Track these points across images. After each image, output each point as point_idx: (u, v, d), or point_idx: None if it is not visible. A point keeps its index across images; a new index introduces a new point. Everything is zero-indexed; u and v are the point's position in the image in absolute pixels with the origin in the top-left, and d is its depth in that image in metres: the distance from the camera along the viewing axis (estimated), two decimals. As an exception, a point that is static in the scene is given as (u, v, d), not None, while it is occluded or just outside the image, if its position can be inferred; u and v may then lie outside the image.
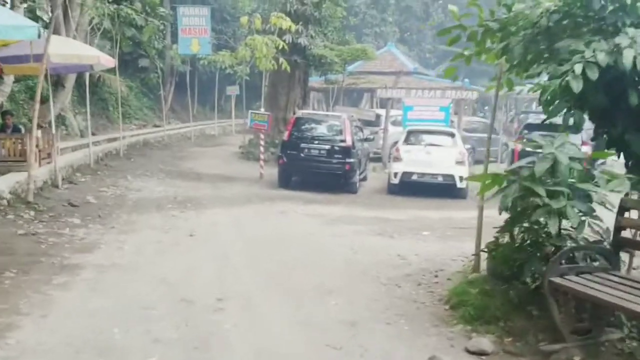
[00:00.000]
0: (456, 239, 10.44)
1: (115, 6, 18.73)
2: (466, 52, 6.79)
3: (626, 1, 5.49)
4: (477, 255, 7.45)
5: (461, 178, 15.12)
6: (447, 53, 40.19)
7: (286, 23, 16.23)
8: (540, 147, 5.41)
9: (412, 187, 15.47)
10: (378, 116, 21.76)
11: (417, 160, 15.41)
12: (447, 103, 19.85)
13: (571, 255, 5.18)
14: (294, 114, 21.27)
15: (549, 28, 5.66)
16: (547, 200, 5.06)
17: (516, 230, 5.92)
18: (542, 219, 5.32)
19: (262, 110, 17.52)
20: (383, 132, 20.10)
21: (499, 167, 20.17)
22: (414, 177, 15.42)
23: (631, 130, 5.45)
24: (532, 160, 5.48)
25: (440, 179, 15.31)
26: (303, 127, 15.90)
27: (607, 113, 5.50)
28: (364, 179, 17.24)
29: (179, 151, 22.87)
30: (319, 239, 9.74)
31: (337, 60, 20.17)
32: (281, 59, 16.53)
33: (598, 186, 5.04)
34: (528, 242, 5.72)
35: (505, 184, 5.63)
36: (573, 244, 5.22)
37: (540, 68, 5.66)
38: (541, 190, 5.13)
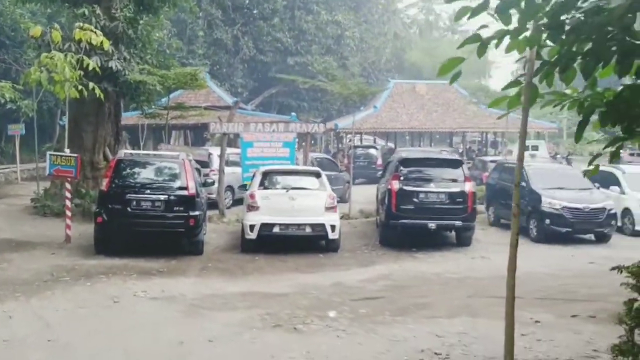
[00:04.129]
0: (382, 321, 7.55)
1: None
2: (481, 31, 3.90)
3: None
4: None
5: (333, 227, 12.37)
6: (260, 87, 38.13)
7: (97, 38, 12.26)
8: None
9: (272, 242, 12.39)
10: (209, 155, 18.36)
11: (278, 209, 12.33)
12: (291, 138, 17.14)
13: None
14: (105, 155, 17.08)
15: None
16: None
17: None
18: None
19: (67, 151, 13.20)
20: (218, 173, 16.73)
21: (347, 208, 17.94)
22: (276, 230, 12.30)
23: None
24: None
25: (308, 229, 12.36)
26: (128, 172, 12.01)
27: None
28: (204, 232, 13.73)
29: (-57, 210, 17.17)
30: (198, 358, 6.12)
31: (159, 88, 16.40)
32: (91, 84, 12.45)
33: None
34: None
35: None
36: None
37: None
38: None
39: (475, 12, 3.60)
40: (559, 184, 15.23)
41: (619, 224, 15.53)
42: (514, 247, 4.56)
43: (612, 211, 14.58)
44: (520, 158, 4.59)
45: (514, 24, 3.90)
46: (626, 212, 16.07)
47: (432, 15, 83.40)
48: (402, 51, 61.43)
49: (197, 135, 34.96)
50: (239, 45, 42.19)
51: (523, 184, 15.59)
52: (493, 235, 15.38)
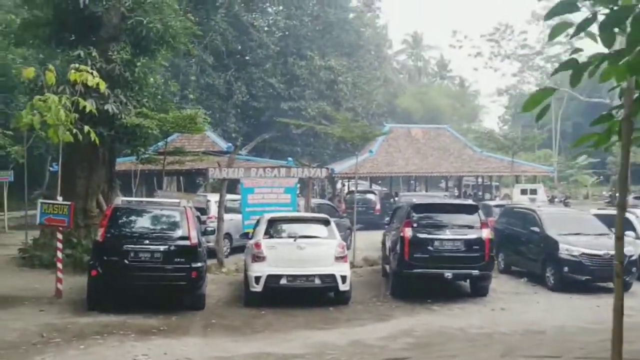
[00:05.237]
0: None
1: None
2: (580, 57, 3.28)
3: None
4: None
5: (344, 278, 11.60)
6: (253, 132, 37.43)
7: (93, 79, 11.67)
8: None
9: (278, 294, 11.58)
10: (207, 202, 17.63)
11: (285, 259, 11.55)
12: (293, 183, 16.47)
13: None
14: (98, 203, 16.30)
15: None
16: None
17: None
18: None
19: (60, 198, 12.43)
20: (217, 221, 15.97)
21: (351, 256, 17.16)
22: (283, 282, 11.49)
23: None
24: None
25: (317, 281, 11.56)
26: (125, 220, 11.22)
27: None
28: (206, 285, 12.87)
29: None
30: None
31: (156, 131, 15.76)
32: (87, 128, 11.78)
33: None
34: None
35: None
36: None
37: None
38: None
39: (579, 28, 2.98)
40: (574, 229, 14.60)
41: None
42: (619, 313, 3.85)
43: (633, 258, 13.88)
44: (622, 205, 3.93)
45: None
46: (643, 258, 15.41)
47: (420, 62, 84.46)
48: (393, 96, 61.68)
49: (190, 181, 34.24)
50: (232, 90, 41.85)
51: (536, 229, 15.00)
52: (506, 283, 14.64)
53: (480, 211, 13.15)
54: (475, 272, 12.27)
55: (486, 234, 12.42)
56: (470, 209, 13.15)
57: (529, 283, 14.62)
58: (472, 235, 12.40)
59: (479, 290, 12.79)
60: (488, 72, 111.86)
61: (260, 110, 44.14)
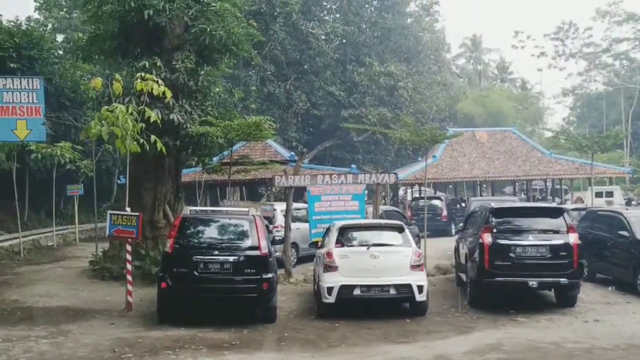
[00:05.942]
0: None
1: None
2: None
3: None
4: None
5: (420, 288, 10.96)
6: (313, 141, 36.99)
7: (159, 88, 11.51)
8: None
9: (351, 305, 11.05)
10: (274, 210, 17.34)
11: (358, 268, 11.02)
12: (360, 190, 15.93)
13: None
14: (165, 214, 16.19)
15: None
16: None
17: None
18: None
19: (128, 210, 12.31)
20: (284, 230, 15.61)
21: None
22: (357, 292, 10.94)
23: None
24: None
25: (392, 291, 10.95)
26: (193, 231, 10.93)
27: None
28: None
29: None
30: None
31: (221, 140, 15.55)
32: (153, 137, 11.63)
33: None
34: None
35: None
36: None
37: None
38: None
39: None
40: (665, 233, 13.48)
41: None
42: None
43: None
44: None
45: None
46: None
47: (480, 65, 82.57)
48: (453, 100, 60.36)
49: (252, 190, 34.18)
50: (292, 99, 41.75)
51: (625, 233, 13.92)
52: (593, 292, 13.61)
53: (565, 214, 12.26)
54: (564, 280, 11.38)
55: (574, 239, 11.53)
56: (554, 213, 12.28)
57: (618, 291, 13.57)
58: (558, 240, 11.54)
59: (566, 300, 11.89)
60: (552, 73, 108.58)
61: (321, 119, 43.88)
